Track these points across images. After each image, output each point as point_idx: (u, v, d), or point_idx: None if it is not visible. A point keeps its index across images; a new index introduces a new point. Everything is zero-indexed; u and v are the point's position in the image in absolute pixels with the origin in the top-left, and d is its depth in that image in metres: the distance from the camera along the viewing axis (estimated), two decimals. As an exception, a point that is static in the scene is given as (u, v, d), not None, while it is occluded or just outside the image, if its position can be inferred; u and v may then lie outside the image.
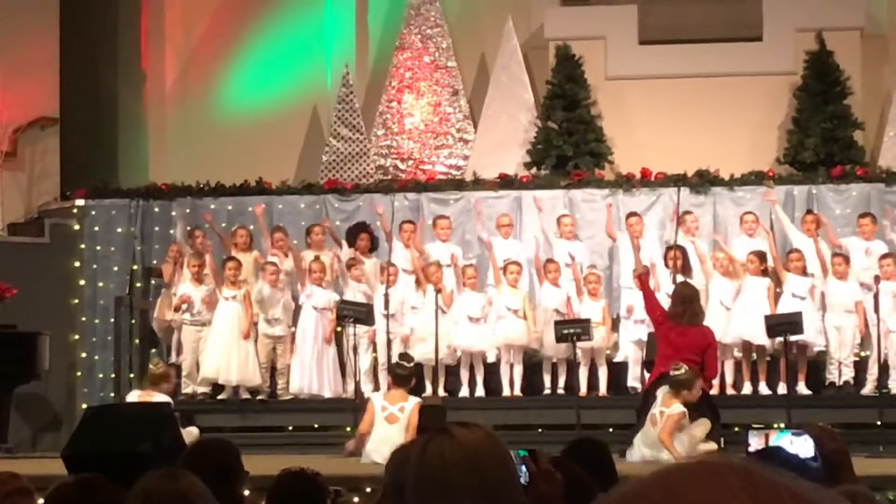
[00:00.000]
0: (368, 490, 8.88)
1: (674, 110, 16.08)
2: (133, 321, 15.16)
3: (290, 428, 14.01)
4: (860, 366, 13.76)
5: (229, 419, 13.93)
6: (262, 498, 5.07)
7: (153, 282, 15.49)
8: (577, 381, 13.62)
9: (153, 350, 15.32)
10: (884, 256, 13.58)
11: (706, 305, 13.64)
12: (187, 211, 15.68)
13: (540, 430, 13.34)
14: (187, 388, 14.14)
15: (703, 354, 12.10)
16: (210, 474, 4.67)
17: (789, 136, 15.75)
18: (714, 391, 12.54)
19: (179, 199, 15.77)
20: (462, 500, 2.54)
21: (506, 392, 14.03)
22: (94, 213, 15.82)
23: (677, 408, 11.26)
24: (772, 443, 3.88)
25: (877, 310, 12.90)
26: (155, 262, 15.52)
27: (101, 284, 15.59)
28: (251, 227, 14.97)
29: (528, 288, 14.39)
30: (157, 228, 15.76)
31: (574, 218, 14.88)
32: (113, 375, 15.30)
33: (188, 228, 15.20)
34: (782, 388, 13.42)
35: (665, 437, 11.13)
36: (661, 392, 11.41)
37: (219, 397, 14.22)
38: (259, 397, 14.24)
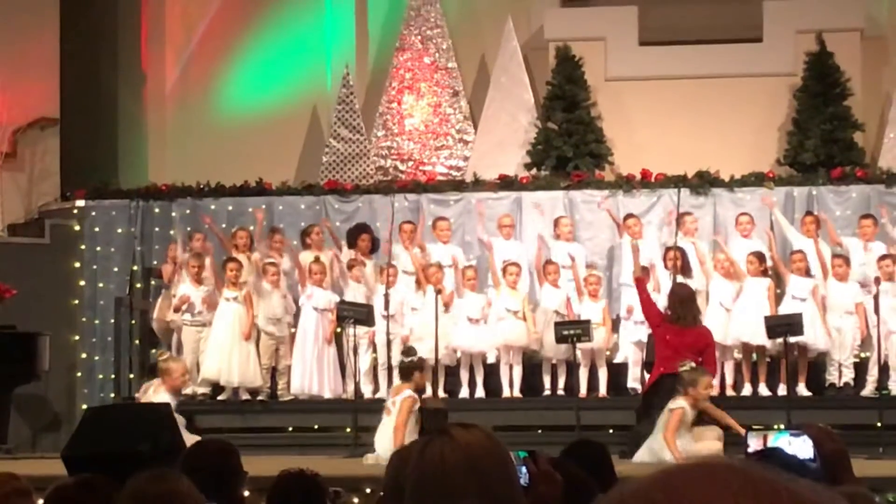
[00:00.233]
0: (368, 491, 8.89)
1: (674, 111, 16.08)
2: (133, 322, 15.17)
3: (290, 429, 14.01)
4: (860, 367, 13.76)
5: (229, 420, 13.93)
6: (262, 498, 5.08)
7: (153, 282, 15.49)
8: (576, 382, 13.62)
9: (153, 351, 15.33)
10: (883, 257, 13.58)
11: (706, 306, 13.66)
12: (187, 212, 15.68)
13: (539, 431, 13.33)
14: (187, 389, 14.14)
15: (702, 355, 12.12)
16: (210, 475, 4.68)
17: (789, 137, 15.75)
18: (714, 392, 12.54)
19: (179, 199, 15.77)
20: (462, 501, 2.54)
21: (506, 393, 14.03)
22: (94, 213, 15.82)
23: (678, 403, 11.27)
24: (770, 444, 3.89)
25: (877, 311, 12.90)
26: (155, 262, 15.52)
27: (101, 285, 15.59)
28: (251, 227, 14.97)
29: (528, 289, 14.39)
30: (157, 229, 15.76)
31: (573, 219, 14.89)
32: (113, 376, 15.30)
33: (188, 229, 15.21)
34: (782, 390, 13.41)
35: (668, 436, 11.14)
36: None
37: (219, 398, 14.22)
38: (259, 398, 14.24)
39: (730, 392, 13.69)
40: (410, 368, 11.90)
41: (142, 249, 15.68)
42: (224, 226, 15.32)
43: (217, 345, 13.96)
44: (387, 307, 13.47)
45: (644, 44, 16.40)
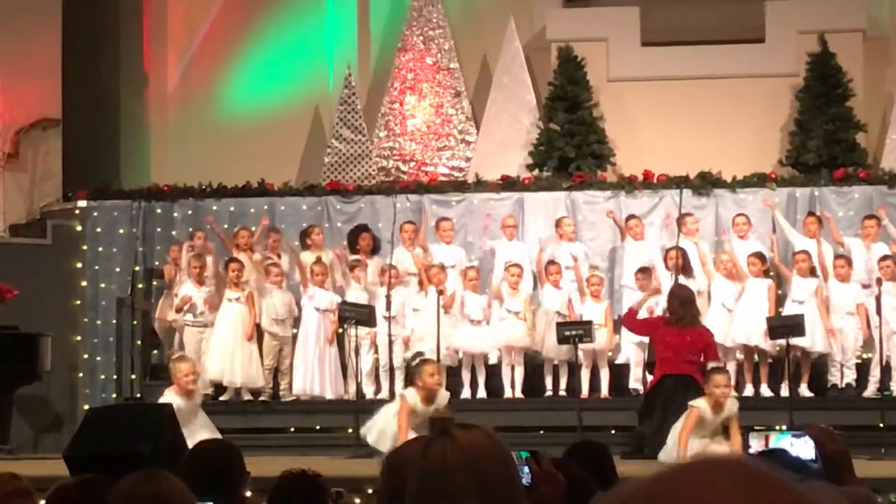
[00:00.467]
0: (370, 491, 8.88)
1: (676, 112, 16.07)
2: (135, 322, 15.17)
3: (292, 429, 14.01)
4: (862, 368, 13.74)
5: (231, 420, 13.90)
6: (264, 499, 5.08)
7: (155, 283, 15.50)
8: (578, 382, 13.61)
9: (154, 351, 15.34)
10: (884, 258, 13.57)
11: (708, 307, 13.66)
12: (189, 212, 15.69)
13: (541, 432, 13.33)
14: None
15: (704, 354, 12.16)
16: (212, 475, 4.68)
17: (791, 137, 15.74)
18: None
19: (181, 200, 15.78)
20: (463, 501, 2.53)
21: (507, 394, 14.03)
22: (95, 214, 15.83)
23: (696, 402, 11.27)
24: (772, 444, 3.88)
25: (879, 312, 12.89)
26: (157, 263, 15.53)
27: (102, 285, 15.60)
28: (253, 228, 14.97)
29: (530, 290, 14.39)
30: (158, 229, 15.76)
31: (575, 219, 14.89)
32: (115, 377, 15.30)
33: (190, 230, 15.21)
34: (784, 391, 13.40)
35: (683, 434, 11.13)
36: None
37: (221, 398, 14.21)
38: (261, 398, 14.24)
39: (732, 393, 13.66)
40: (409, 374, 11.89)
41: (143, 250, 15.68)
42: (226, 226, 15.33)
43: (219, 345, 13.95)
44: (388, 308, 13.47)
45: (646, 44, 16.40)
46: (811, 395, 13.58)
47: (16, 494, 4.55)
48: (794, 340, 13.02)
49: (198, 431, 10.98)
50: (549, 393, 14.06)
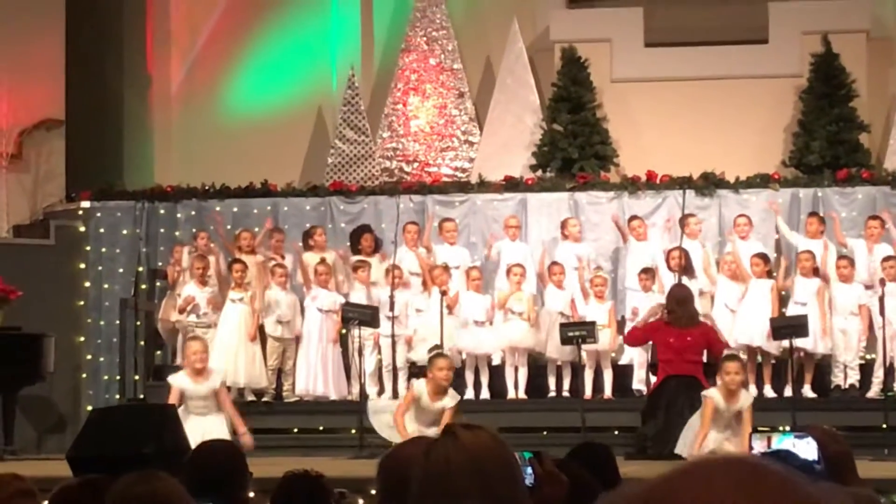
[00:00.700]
0: (373, 492, 8.88)
1: (679, 113, 16.07)
2: (138, 323, 15.15)
3: (295, 430, 14.01)
4: (866, 369, 13.73)
5: (234, 421, 13.91)
6: (267, 500, 5.07)
7: (158, 284, 15.50)
8: (581, 383, 13.60)
9: (157, 352, 15.35)
10: (887, 258, 13.55)
11: (711, 308, 13.66)
12: (192, 213, 15.70)
13: (545, 433, 13.33)
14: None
15: (708, 350, 12.18)
16: (215, 476, 4.67)
17: (795, 138, 15.73)
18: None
19: (185, 201, 15.79)
20: (466, 501, 2.54)
21: (511, 394, 14.03)
22: (99, 214, 15.83)
23: (707, 392, 11.30)
24: (774, 445, 3.88)
25: (882, 312, 12.88)
26: (160, 263, 15.53)
27: (106, 286, 15.60)
28: (255, 229, 14.98)
29: (533, 290, 14.38)
30: (162, 230, 15.77)
31: (579, 220, 14.88)
32: (118, 377, 15.29)
33: (193, 231, 15.22)
34: (788, 391, 13.39)
35: (703, 426, 11.16)
36: None
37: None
38: (264, 399, 14.24)
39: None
40: (422, 368, 11.98)
41: (147, 251, 15.69)
42: (229, 227, 15.34)
43: (223, 346, 13.94)
44: (392, 308, 13.47)
45: (650, 45, 16.40)
46: (814, 395, 13.57)
47: (19, 495, 4.55)
48: (797, 341, 13.01)
49: (209, 429, 10.79)
50: (552, 394, 14.05)
